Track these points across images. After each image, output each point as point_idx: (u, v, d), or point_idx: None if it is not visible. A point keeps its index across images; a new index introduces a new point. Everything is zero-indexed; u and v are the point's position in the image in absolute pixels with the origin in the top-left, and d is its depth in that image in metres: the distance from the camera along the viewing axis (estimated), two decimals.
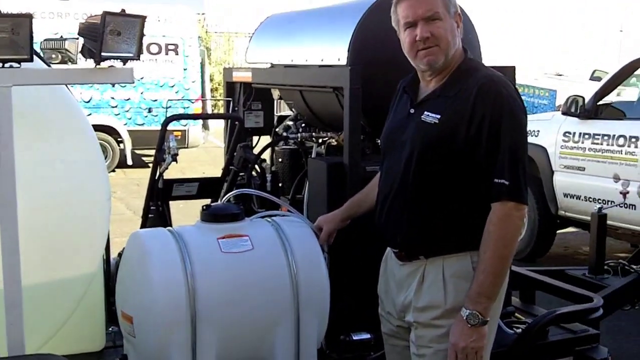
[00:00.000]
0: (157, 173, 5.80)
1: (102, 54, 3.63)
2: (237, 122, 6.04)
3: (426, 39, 3.51)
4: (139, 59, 3.77)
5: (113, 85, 16.41)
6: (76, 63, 4.12)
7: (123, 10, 3.69)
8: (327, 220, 4.29)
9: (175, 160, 5.71)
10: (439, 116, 3.50)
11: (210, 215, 4.12)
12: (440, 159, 3.49)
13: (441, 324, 3.53)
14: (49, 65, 4.20)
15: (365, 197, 4.12)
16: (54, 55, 4.18)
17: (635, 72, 10.51)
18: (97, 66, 3.69)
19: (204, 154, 19.37)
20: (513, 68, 5.02)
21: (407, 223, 3.62)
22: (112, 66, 3.73)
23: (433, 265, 3.58)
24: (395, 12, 3.64)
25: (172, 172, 5.99)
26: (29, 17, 3.38)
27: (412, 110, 3.65)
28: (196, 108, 17.86)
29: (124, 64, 3.76)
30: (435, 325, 3.56)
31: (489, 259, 3.39)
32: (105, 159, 16.89)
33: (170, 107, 16.02)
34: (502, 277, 3.46)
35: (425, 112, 3.55)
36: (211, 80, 23.14)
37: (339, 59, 4.87)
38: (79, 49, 3.86)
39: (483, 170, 3.42)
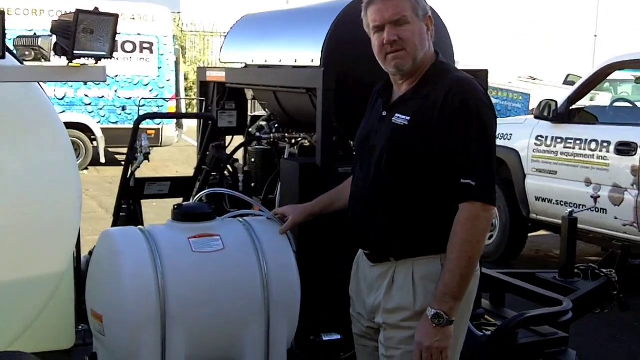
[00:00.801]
0: (129, 172, 5.79)
1: (75, 52, 3.62)
2: (210, 122, 6.04)
3: (393, 42, 3.53)
4: (112, 58, 3.77)
5: (85, 84, 16.41)
6: (49, 60, 4.11)
7: (96, 9, 3.69)
8: (296, 211, 4.27)
9: (147, 159, 5.71)
10: (408, 118, 3.52)
11: (181, 215, 4.11)
12: (409, 160, 3.51)
13: (410, 326, 3.54)
14: (22, 63, 4.19)
15: (338, 196, 4.13)
16: (27, 53, 4.17)
17: (609, 77, 10.56)
18: (70, 64, 3.68)
19: (177, 152, 19.35)
20: (486, 72, 5.04)
21: (377, 225, 3.64)
22: (84, 64, 3.72)
23: (403, 267, 3.59)
24: (366, 16, 3.66)
25: (145, 170, 5.97)
26: (1, 14, 3.37)
27: (384, 113, 3.67)
28: (170, 107, 17.79)
29: (97, 62, 3.75)
30: (404, 327, 3.57)
31: (456, 259, 3.41)
32: (79, 156, 16.83)
33: (144, 105, 15.96)
34: (468, 277, 3.46)
35: (396, 114, 3.57)
36: (186, 79, 23.08)
37: (312, 60, 4.87)
38: (53, 46, 3.85)
39: (452, 171, 3.44)
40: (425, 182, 3.51)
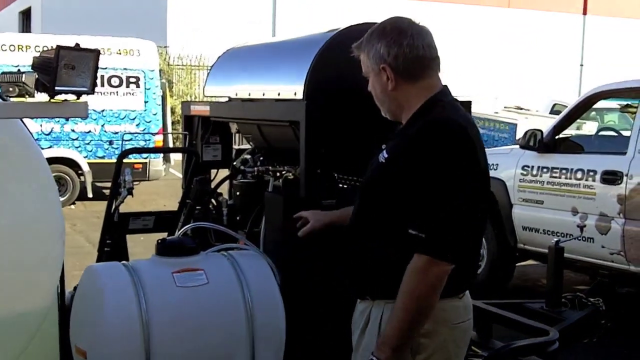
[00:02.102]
0: (113, 207, 5.77)
1: (56, 87, 3.62)
2: (193, 156, 6.04)
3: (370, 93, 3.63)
4: (94, 93, 3.76)
5: (67, 119, 16.36)
6: (34, 96, 4.11)
7: (77, 45, 3.69)
8: (316, 217, 4.27)
9: (130, 194, 5.70)
10: (387, 156, 3.47)
11: (165, 249, 4.11)
12: (379, 200, 3.47)
13: None
14: (4, 99, 4.18)
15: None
16: (11, 89, 4.16)
17: (595, 106, 10.59)
18: (51, 100, 3.68)
19: (165, 186, 19.29)
20: (469, 103, 5.04)
21: (353, 262, 3.61)
22: (66, 100, 3.72)
23: (377, 308, 3.52)
24: None
25: (133, 204, 5.95)
26: None
27: (383, 146, 3.60)
28: (157, 141, 17.81)
29: (78, 98, 3.75)
30: None
31: (398, 310, 3.31)
32: (66, 191, 16.86)
33: (131, 139, 15.97)
34: (408, 330, 3.32)
35: (385, 150, 3.52)
36: (172, 112, 23.05)
37: (295, 94, 4.88)
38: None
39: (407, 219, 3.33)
40: (390, 224, 3.43)
